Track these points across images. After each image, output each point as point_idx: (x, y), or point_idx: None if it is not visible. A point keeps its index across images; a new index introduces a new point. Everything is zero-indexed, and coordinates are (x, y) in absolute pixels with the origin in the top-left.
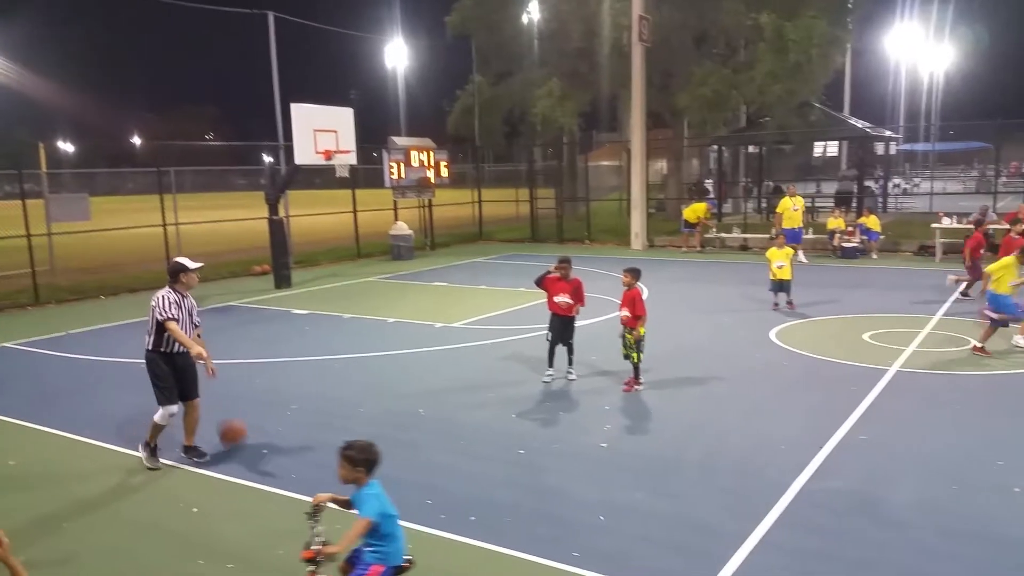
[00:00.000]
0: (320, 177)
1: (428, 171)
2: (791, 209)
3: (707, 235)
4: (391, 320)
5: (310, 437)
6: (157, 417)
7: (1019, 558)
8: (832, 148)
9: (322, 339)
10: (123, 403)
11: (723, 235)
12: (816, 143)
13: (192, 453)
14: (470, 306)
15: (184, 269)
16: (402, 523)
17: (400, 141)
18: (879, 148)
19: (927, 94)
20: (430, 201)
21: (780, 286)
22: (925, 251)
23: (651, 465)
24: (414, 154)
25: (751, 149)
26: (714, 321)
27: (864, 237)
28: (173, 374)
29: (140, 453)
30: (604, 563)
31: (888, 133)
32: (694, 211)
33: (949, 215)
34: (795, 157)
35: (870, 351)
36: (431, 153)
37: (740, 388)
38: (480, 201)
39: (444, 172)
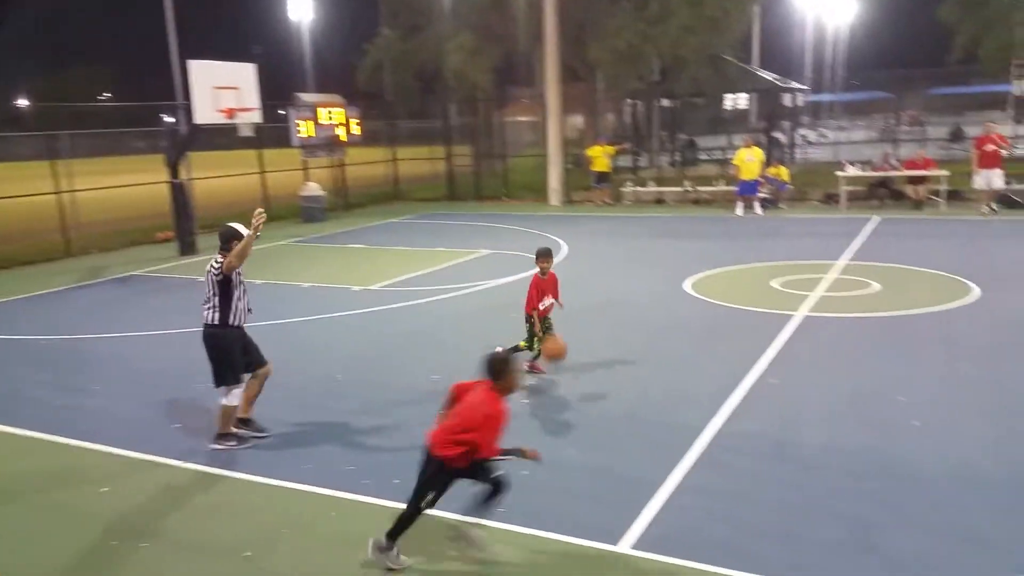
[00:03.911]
0: (224, 137)
1: (339, 129)
2: (746, 160)
3: (622, 188)
4: (306, 285)
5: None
6: (228, 400)
7: (920, 491)
8: (743, 101)
9: None
10: (30, 382)
11: (638, 189)
12: (727, 96)
13: (251, 427)
14: (388, 268)
15: (239, 235)
16: (324, 490)
17: (307, 97)
18: (787, 100)
19: (832, 46)
20: (342, 160)
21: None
22: (831, 199)
23: (573, 419)
24: (323, 111)
25: (665, 103)
26: (630, 274)
27: (774, 187)
28: (242, 347)
29: (219, 446)
30: (528, 517)
31: (796, 85)
32: (599, 152)
33: (853, 163)
34: (707, 110)
35: (779, 298)
36: (341, 110)
37: (656, 339)
38: (395, 160)
39: (356, 130)
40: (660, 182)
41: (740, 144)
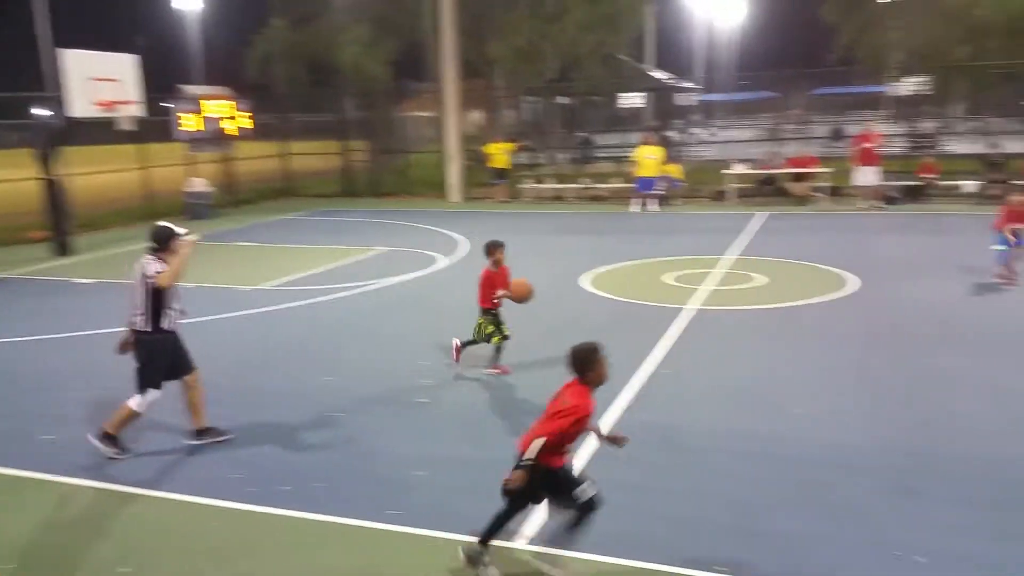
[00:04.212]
0: (106, 131)
1: (227, 123)
2: (646, 157)
3: (521, 185)
4: (191, 285)
5: (101, 418)
6: (137, 404)
7: (802, 473)
8: (638, 99)
9: (110, 310)
10: None
11: (537, 186)
12: (623, 94)
13: (209, 435)
14: (281, 267)
15: (175, 234)
16: (208, 500)
17: (192, 90)
18: (680, 99)
19: (723, 47)
20: (231, 155)
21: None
22: (720, 196)
23: (469, 416)
24: (209, 104)
25: (563, 100)
26: (528, 270)
27: (667, 185)
28: (174, 353)
29: (101, 445)
30: (422, 517)
31: (689, 84)
32: (498, 149)
33: (741, 161)
34: (604, 108)
35: (672, 292)
36: (229, 103)
37: (553, 334)
38: (288, 154)
39: (246, 123)
40: (559, 179)
41: (638, 142)
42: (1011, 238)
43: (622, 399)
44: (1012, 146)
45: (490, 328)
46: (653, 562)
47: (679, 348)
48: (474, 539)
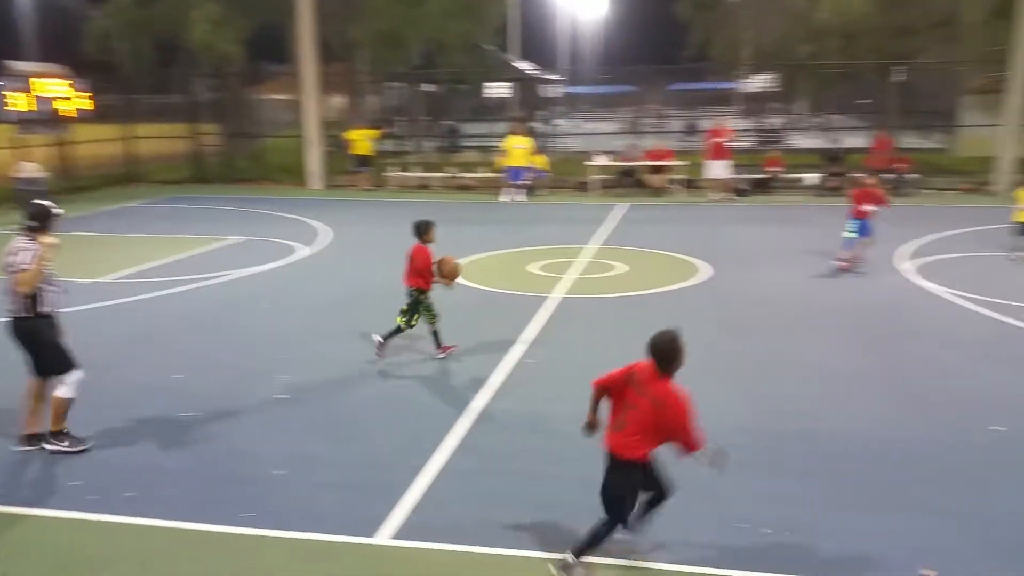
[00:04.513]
0: None
1: (62, 103)
2: (515, 147)
3: (386, 173)
4: None
5: None
6: (65, 391)
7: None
8: (504, 89)
9: None
10: None
11: (402, 174)
12: (489, 84)
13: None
14: (123, 258)
15: (51, 213)
16: (45, 511)
17: (21, 67)
18: (545, 90)
19: (586, 40)
20: (68, 138)
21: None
22: (583, 187)
23: (331, 412)
24: (41, 82)
25: (428, 87)
26: (393, 261)
27: (534, 175)
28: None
29: (52, 446)
30: (281, 518)
31: (553, 76)
32: (360, 135)
33: (603, 153)
34: (472, 97)
35: (537, 281)
36: (65, 81)
37: (418, 325)
38: (133, 138)
39: (86, 104)
40: (425, 167)
41: (505, 131)
42: (867, 212)
43: (487, 389)
44: (850, 141)
45: (416, 313)
46: (516, 548)
47: (544, 336)
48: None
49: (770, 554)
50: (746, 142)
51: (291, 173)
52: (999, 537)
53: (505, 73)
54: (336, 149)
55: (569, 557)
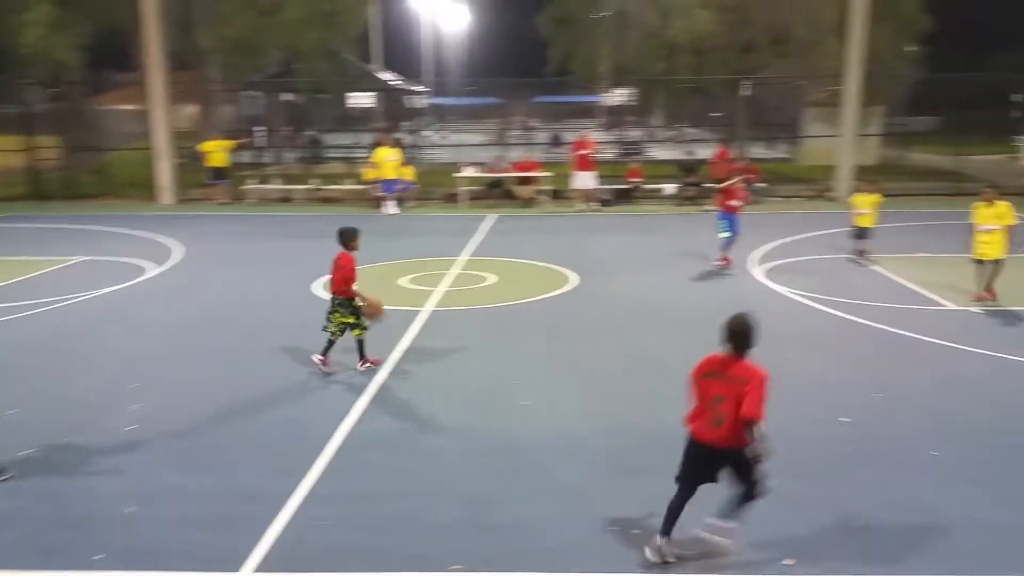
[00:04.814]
0: None
1: None
2: (387, 160)
3: (243, 187)
4: None
5: None
6: None
7: (527, 459)
8: (368, 99)
9: None
10: None
11: (262, 186)
12: (351, 94)
13: None
14: None
15: None
16: None
17: None
18: (410, 101)
19: (451, 52)
20: None
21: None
22: (452, 198)
23: (188, 441)
24: None
25: (288, 97)
26: (255, 278)
27: (402, 187)
28: None
29: None
30: (134, 558)
31: (418, 87)
32: (215, 147)
33: (470, 165)
34: (334, 107)
35: (407, 295)
36: None
37: (284, 344)
38: None
39: None
40: (286, 179)
41: (371, 142)
42: (735, 208)
43: (357, 408)
44: (704, 152)
45: (350, 319)
46: (387, 571)
47: (415, 351)
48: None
49: (641, 555)
50: (608, 154)
51: (140, 188)
52: (848, 522)
53: (368, 83)
54: (189, 161)
55: (658, 539)
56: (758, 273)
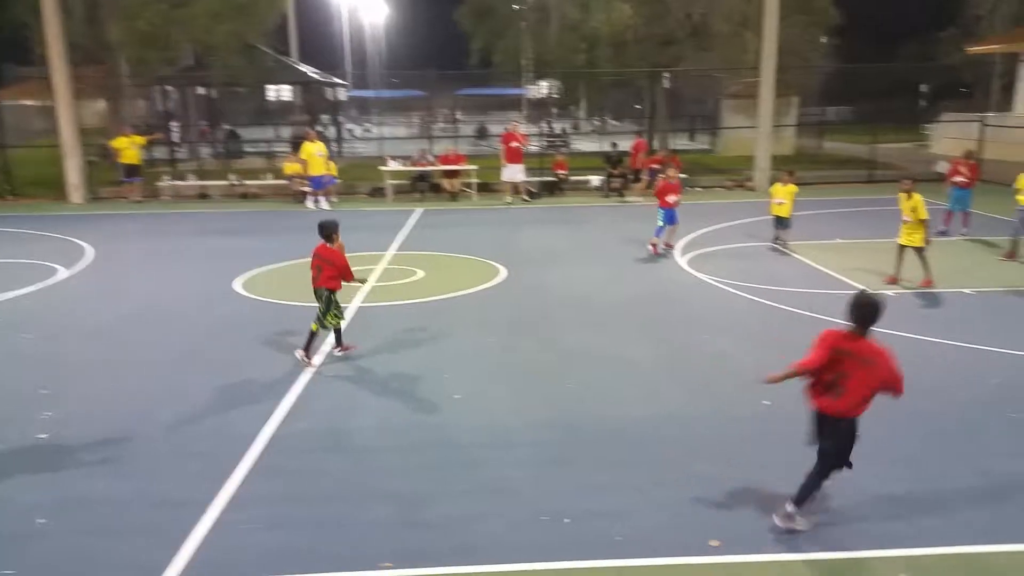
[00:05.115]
0: None
1: None
2: (315, 155)
3: (158, 184)
4: None
5: None
6: None
7: (458, 454)
8: (286, 92)
9: None
10: None
11: (177, 183)
12: (270, 87)
13: None
14: None
15: None
16: None
17: None
18: (331, 94)
19: (372, 44)
20: None
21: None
22: (377, 192)
23: (105, 448)
24: None
25: (202, 91)
26: (173, 277)
27: (325, 181)
28: None
29: None
30: (47, 572)
31: (337, 80)
32: (127, 143)
33: (395, 158)
34: (251, 101)
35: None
36: None
37: (204, 345)
38: None
39: None
40: (202, 175)
41: (292, 136)
42: (672, 203)
43: (281, 409)
44: (627, 144)
45: (329, 312)
46: (315, 572)
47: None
48: None
49: (571, 543)
50: (534, 146)
51: (47, 186)
52: (771, 502)
53: (285, 76)
54: (100, 158)
55: (789, 507)
56: (682, 262)
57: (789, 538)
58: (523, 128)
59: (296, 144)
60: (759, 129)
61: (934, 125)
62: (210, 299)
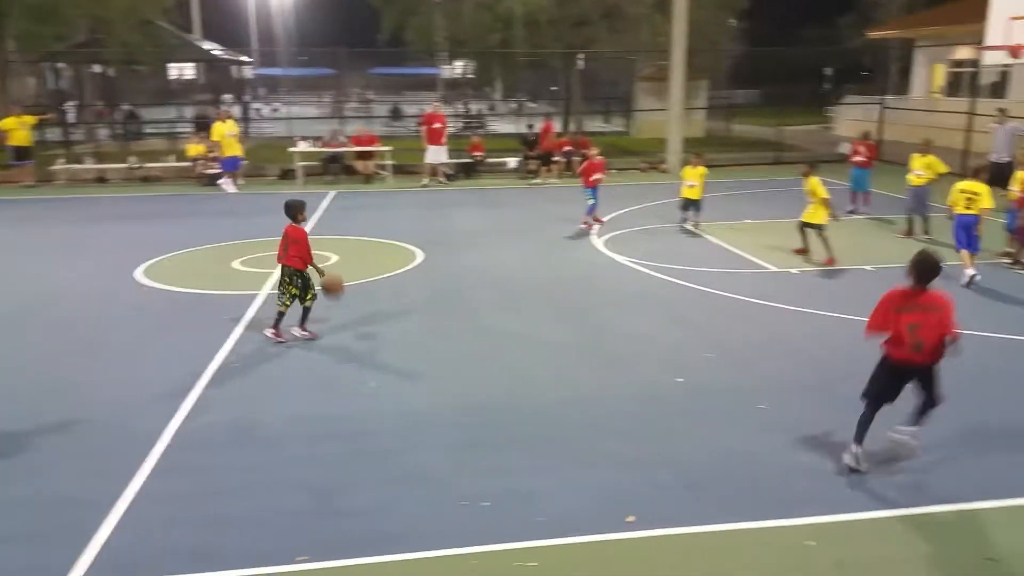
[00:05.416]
0: None
1: None
2: (227, 135)
3: (52, 167)
4: None
5: None
6: None
7: (375, 443)
8: (189, 71)
9: None
10: None
11: (73, 166)
12: (171, 65)
13: None
14: None
15: None
16: None
17: None
18: (235, 72)
19: (279, 20)
20: None
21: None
22: (287, 175)
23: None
24: None
25: (98, 69)
26: (70, 266)
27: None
28: None
29: None
30: None
31: (243, 58)
32: (15, 124)
33: (305, 139)
34: (152, 80)
35: (241, 278)
36: None
37: (105, 337)
38: None
39: None
40: (100, 158)
41: (195, 116)
42: (597, 181)
43: (188, 401)
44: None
45: (295, 290)
46: (227, 569)
47: (249, 337)
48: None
49: (490, 526)
50: (450, 127)
51: None
52: (684, 476)
53: (187, 53)
54: None
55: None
56: (599, 243)
57: (699, 511)
58: (444, 109)
59: (200, 125)
60: (670, 112)
61: (837, 108)
62: (110, 289)
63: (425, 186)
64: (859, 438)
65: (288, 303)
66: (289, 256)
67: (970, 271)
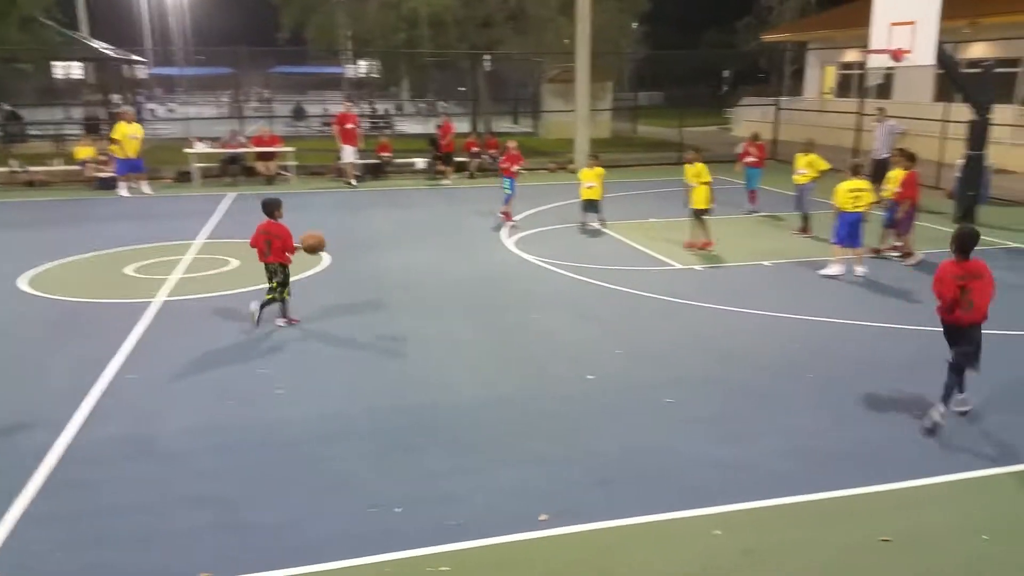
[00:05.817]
0: None
1: None
2: (130, 137)
3: None
4: None
5: None
6: None
7: (283, 452)
8: (76, 70)
9: None
10: None
11: None
12: (56, 64)
13: None
14: None
15: None
16: None
17: None
18: (127, 71)
19: (172, 19)
20: None
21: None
22: (184, 177)
23: None
24: None
25: None
26: None
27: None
28: None
29: None
30: None
31: (135, 57)
32: None
33: (203, 139)
34: (35, 79)
35: (134, 285)
36: None
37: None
38: None
39: None
40: None
41: (83, 117)
42: (514, 172)
43: (78, 416)
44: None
45: (274, 284)
46: None
47: (146, 347)
48: None
49: (400, 533)
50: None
51: None
52: (595, 472)
53: (74, 51)
54: None
55: (941, 408)
56: (509, 243)
57: (610, 506)
58: (354, 109)
59: (90, 126)
60: (577, 113)
61: (735, 109)
62: None
63: (330, 187)
64: (945, 399)
65: (280, 293)
66: (273, 252)
67: (861, 269)
